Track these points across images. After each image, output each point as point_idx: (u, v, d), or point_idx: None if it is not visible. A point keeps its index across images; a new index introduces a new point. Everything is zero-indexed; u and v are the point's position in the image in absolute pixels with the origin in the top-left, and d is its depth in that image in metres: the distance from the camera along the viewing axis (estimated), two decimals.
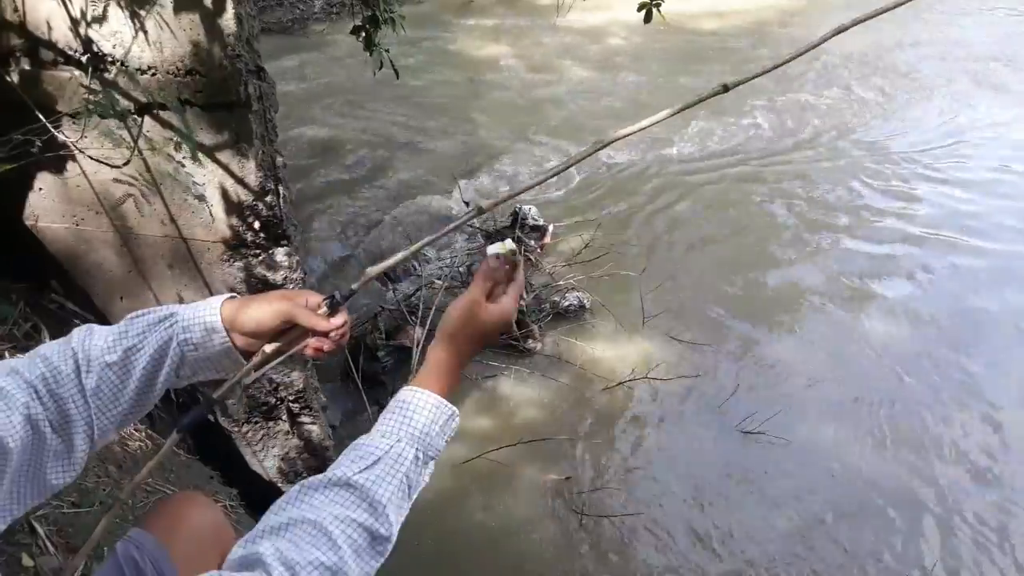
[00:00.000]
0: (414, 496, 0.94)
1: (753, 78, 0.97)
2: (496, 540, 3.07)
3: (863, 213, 5.58)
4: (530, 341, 4.06)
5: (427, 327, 3.94)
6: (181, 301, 2.31)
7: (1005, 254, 5.10)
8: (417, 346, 3.83)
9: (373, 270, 1.05)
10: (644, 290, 4.51)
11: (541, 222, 4.89)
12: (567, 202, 5.62)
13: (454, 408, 1.00)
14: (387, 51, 2.49)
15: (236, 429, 2.63)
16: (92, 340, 1.01)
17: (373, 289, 4.44)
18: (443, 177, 5.75)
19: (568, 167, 1.06)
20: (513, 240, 4.50)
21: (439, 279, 4.44)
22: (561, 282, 4.57)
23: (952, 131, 6.92)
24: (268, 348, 1.05)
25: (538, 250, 4.80)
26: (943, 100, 7.60)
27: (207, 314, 1.03)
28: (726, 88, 0.96)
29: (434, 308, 4.09)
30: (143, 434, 2.35)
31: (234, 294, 1.07)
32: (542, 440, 3.48)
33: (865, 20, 0.92)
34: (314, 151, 6.07)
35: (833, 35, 0.94)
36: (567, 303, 4.34)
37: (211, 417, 2.59)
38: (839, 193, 5.86)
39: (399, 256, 1.06)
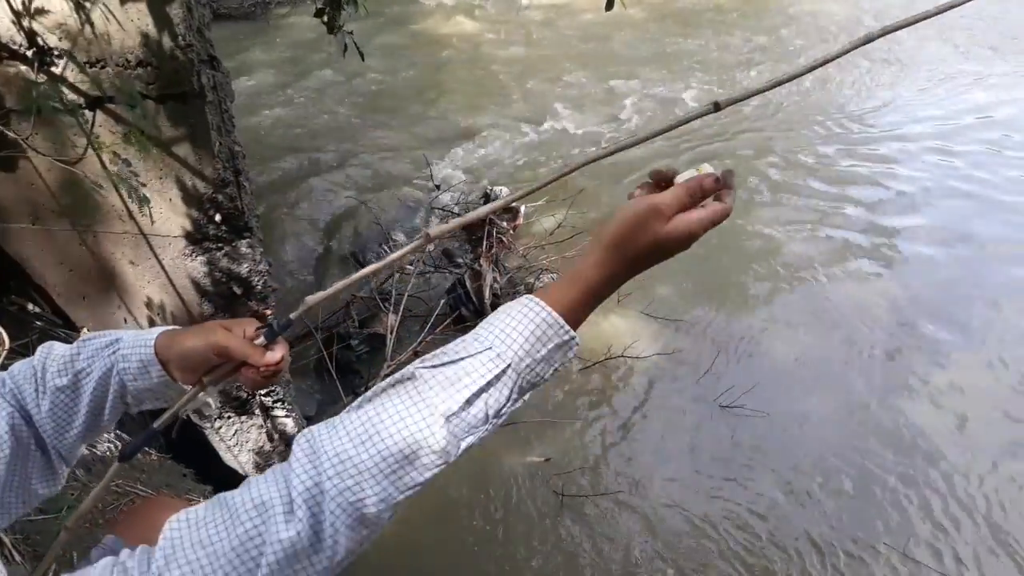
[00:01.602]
0: (495, 422, 0.80)
1: (746, 97, 0.90)
2: (477, 524, 3.06)
3: (840, 187, 5.60)
4: None
5: (400, 314, 3.91)
6: (147, 299, 2.27)
7: (987, 226, 5.17)
8: (391, 333, 3.80)
9: (312, 299, 0.98)
10: None
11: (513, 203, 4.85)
12: (537, 182, 5.57)
13: (573, 333, 0.83)
14: (351, 33, 2.44)
15: (209, 426, 2.60)
16: (48, 360, 0.99)
17: (346, 277, 4.40)
18: (414, 160, 5.70)
19: (536, 189, 1.00)
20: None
21: (411, 265, 4.41)
22: (535, 264, 4.55)
23: (937, 105, 6.99)
24: (206, 379, 1.00)
25: (510, 232, 4.77)
26: (927, 73, 7.67)
27: (142, 348, 0.98)
28: (717, 107, 0.88)
29: (407, 294, 4.06)
30: (112, 435, 2.31)
31: (174, 327, 1.02)
32: (520, 423, 3.48)
33: (896, 29, 0.84)
34: (279, 139, 5.98)
35: (855, 47, 0.85)
36: (541, 284, 4.33)
37: (182, 415, 2.54)
38: (816, 167, 5.88)
39: (340, 284, 0.99)
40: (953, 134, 6.35)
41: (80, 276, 2.28)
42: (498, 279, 4.19)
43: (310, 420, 3.33)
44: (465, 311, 4.04)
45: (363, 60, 2.65)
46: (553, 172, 0.88)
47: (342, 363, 3.69)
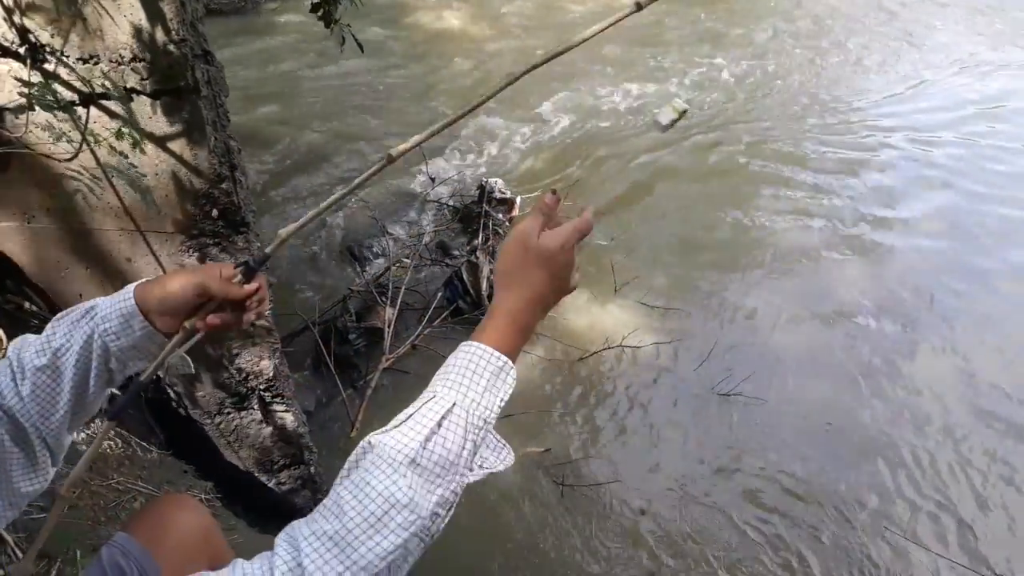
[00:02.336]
0: (469, 465, 0.84)
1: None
2: (479, 515, 3.07)
3: (833, 169, 5.62)
4: None
5: (397, 307, 3.91)
6: None
7: (978, 201, 5.20)
8: (389, 327, 3.80)
9: (285, 231, 0.99)
10: (615, 258, 4.51)
11: (508, 194, 4.85)
12: (533, 173, 5.58)
13: (505, 358, 0.88)
14: (348, 26, 2.42)
15: (208, 421, 2.59)
16: (24, 347, 0.99)
17: (342, 271, 4.40)
18: (409, 154, 5.67)
19: (485, 101, 1.02)
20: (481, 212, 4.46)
21: (407, 258, 4.40)
22: None
23: (921, 87, 7.01)
24: (188, 324, 1.00)
25: (506, 223, 4.77)
26: (916, 56, 7.68)
27: (122, 301, 0.99)
28: (639, 7, 0.95)
29: (403, 287, 4.05)
30: (112, 432, 2.31)
31: (148, 278, 1.03)
32: (520, 414, 3.49)
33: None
34: (273, 134, 5.95)
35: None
36: None
37: (182, 411, 2.54)
38: (807, 150, 5.89)
39: (310, 214, 1.00)
40: (957, 123, 6.37)
41: (76, 275, 2.27)
42: (495, 271, 4.19)
43: (309, 415, 3.33)
44: (462, 304, 4.04)
45: (362, 52, 2.63)
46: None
47: (340, 357, 3.69)
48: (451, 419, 0.82)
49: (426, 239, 4.65)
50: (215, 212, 2.03)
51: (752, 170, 5.59)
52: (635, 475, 3.28)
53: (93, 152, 1.87)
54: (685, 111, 5.54)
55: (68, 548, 1.79)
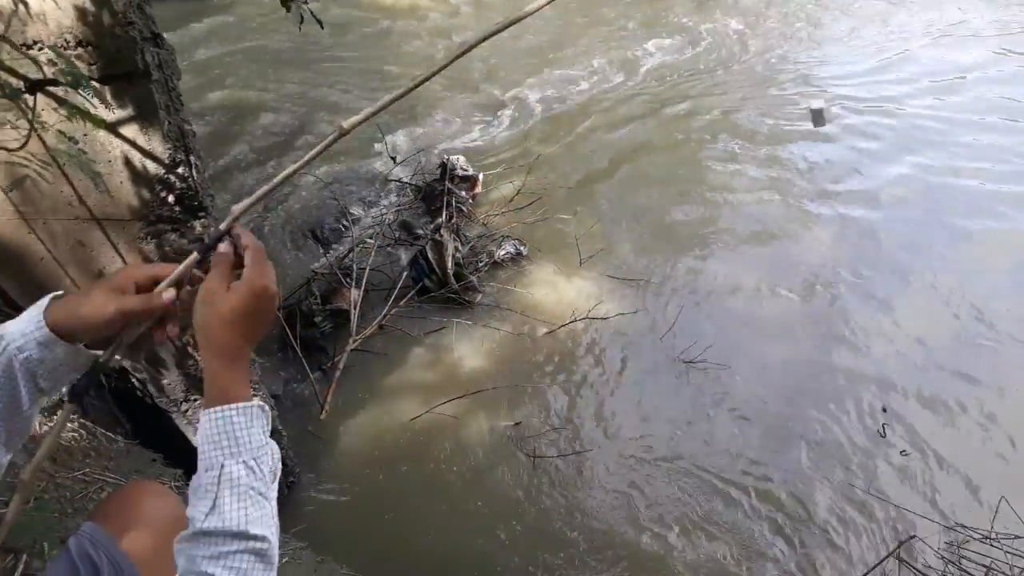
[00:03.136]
0: (274, 486, 0.95)
1: None
2: (452, 490, 3.10)
3: (796, 140, 5.70)
4: (470, 293, 4.05)
5: (363, 288, 3.90)
6: None
7: (940, 171, 5.31)
8: (355, 308, 3.79)
9: (238, 208, 0.98)
10: (578, 231, 4.54)
11: (471, 171, 4.83)
12: (495, 149, 5.57)
13: (233, 407, 0.93)
14: (306, 3, 2.39)
15: (175, 409, 2.57)
16: None
17: (305, 254, 4.37)
18: (369, 133, 5.62)
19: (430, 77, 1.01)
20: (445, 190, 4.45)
21: (371, 238, 4.38)
22: (495, 231, 4.55)
23: (888, 57, 7.10)
24: (124, 335, 0.99)
25: (469, 200, 4.76)
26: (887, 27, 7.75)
27: (36, 330, 0.95)
28: None
29: (368, 268, 4.04)
30: (76, 423, 2.29)
31: (58, 293, 0.99)
32: (490, 390, 3.51)
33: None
34: (230, 117, 5.85)
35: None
36: (503, 251, 4.34)
37: (148, 400, 2.52)
38: (772, 122, 5.95)
39: (264, 189, 0.98)
40: (922, 93, 6.47)
41: (32, 265, 2.23)
42: (460, 248, 4.19)
43: (276, 399, 3.32)
44: (428, 282, 4.04)
45: (323, 29, 2.59)
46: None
47: (306, 340, 3.67)
48: (229, 479, 0.90)
49: (389, 218, 4.63)
50: (171, 197, 2.00)
51: (716, 144, 5.65)
52: (603, 445, 3.33)
53: (42, 139, 1.83)
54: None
55: (35, 541, 1.77)
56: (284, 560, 2.39)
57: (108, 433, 2.38)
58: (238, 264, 0.97)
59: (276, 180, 0.99)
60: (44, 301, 0.97)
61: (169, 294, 0.98)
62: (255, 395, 2.52)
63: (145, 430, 2.60)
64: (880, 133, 5.82)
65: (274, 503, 0.94)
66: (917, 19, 7.97)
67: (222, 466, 0.89)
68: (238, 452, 0.91)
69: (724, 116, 6.02)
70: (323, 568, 2.50)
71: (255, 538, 0.88)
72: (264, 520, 0.90)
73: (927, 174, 5.27)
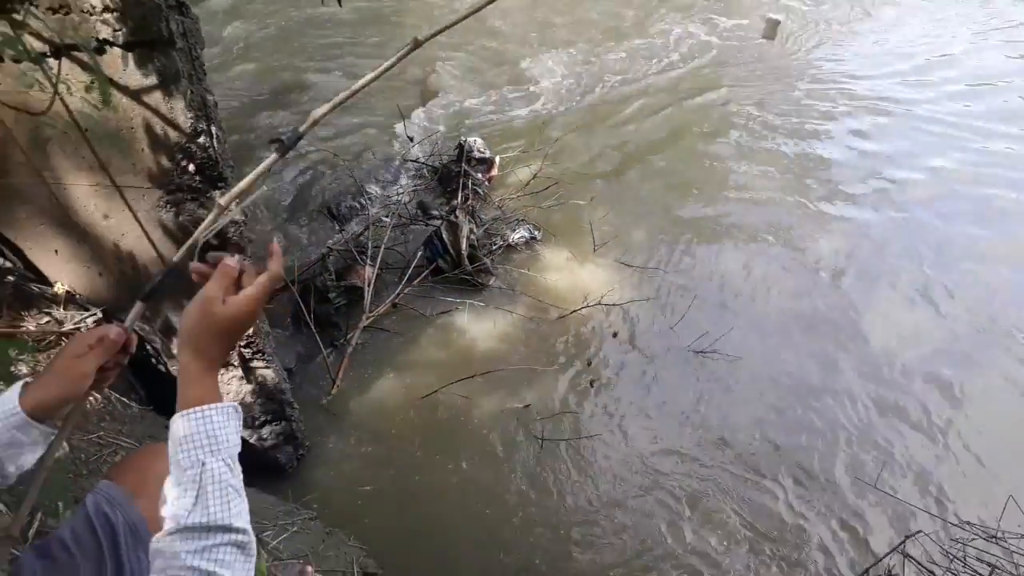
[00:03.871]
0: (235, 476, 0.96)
1: None
2: (460, 470, 3.12)
3: (813, 136, 5.66)
4: (483, 275, 4.06)
5: (377, 265, 3.91)
6: (118, 251, 2.25)
7: (947, 173, 5.26)
8: (369, 285, 3.81)
9: (318, 112, 1.10)
10: (593, 217, 4.53)
11: (488, 154, 4.83)
12: (513, 133, 5.56)
13: (212, 407, 0.96)
14: None
15: None
16: None
17: (321, 230, 4.38)
18: (387, 113, 5.63)
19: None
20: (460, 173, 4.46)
21: (386, 217, 4.39)
22: (511, 214, 4.55)
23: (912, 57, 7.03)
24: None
25: (486, 183, 4.76)
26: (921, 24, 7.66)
27: (11, 416, 1.08)
28: None
29: (383, 246, 4.05)
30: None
31: (26, 382, 1.12)
32: (500, 371, 3.52)
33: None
34: (248, 89, 5.87)
35: None
36: (518, 235, 4.34)
37: (162, 368, 2.55)
38: (790, 116, 5.91)
39: (342, 95, 1.13)
40: (944, 99, 6.40)
41: (52, 230, 2.25)
42: (475, 230, 4.20)
43: (290, 373, 3.35)
44: (442, 263, 4.05)
45: (340, 6, 2.60)
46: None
47: (320, 315, 3.69)
48: (211, 475, 0.93)
49: (405, 198, 4.64)
50: (192, 167, 2.01)
51: (734, 139, 5.61)
52: (612, 430, 3.34)
53: (65, 104, 1.85)
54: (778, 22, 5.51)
55: (50, 500, 1.80)
56: (294, 530, 2.42)
57: (123, 399, 2.41)
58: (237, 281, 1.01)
59: (353, 88, 1.10)
60: (15, 390, 1.11)
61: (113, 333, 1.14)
62: (269, 366, 2.54)
63: (159, 396, 2.63)
64: (906, 134, 5.78)
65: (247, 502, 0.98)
66: (964, 16, 7.87)
67: (203, 463, 0.92)
68: (218, 450, 0.94)
69: (746, 111, 5.97)
70: (331, 539, 2.52)
71: (238, 531, 0.91)
72: (244, 515, 0.94)
73: (947, 180, 5.24)
